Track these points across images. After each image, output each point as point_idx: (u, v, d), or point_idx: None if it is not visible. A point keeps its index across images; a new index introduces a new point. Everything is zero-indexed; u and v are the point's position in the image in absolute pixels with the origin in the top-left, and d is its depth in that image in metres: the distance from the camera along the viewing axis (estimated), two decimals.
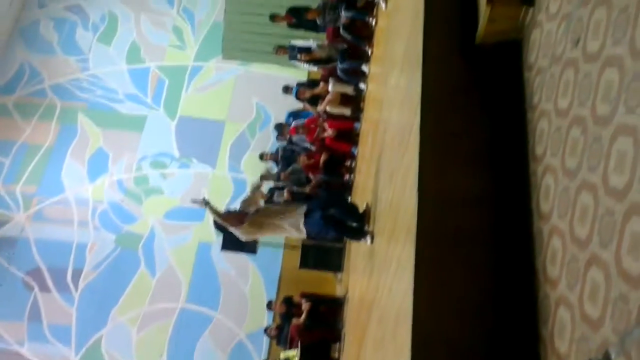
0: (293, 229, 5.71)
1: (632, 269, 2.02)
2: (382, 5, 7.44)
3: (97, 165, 12.64)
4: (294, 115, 10.42)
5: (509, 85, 3.45)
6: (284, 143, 10.37)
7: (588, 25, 2.60)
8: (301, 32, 9.75)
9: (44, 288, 11.56)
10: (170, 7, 14.26)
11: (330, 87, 9.16)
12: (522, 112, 3.27)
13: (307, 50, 9.42)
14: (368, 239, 5.82)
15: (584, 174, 2.47)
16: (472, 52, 3.60)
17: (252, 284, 11.50)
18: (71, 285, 11.57)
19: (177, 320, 11.37)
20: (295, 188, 9.71)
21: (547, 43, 3.08)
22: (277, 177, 10.26)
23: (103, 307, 11.40)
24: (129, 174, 12.63)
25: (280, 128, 10.51)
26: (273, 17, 9.72)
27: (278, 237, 9.94)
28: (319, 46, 9.44)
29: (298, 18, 9.44)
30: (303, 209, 5.73)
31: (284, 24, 9.81)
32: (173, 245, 11.94)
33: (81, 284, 11.57)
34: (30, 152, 12.71)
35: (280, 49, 9.77)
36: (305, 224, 5.65)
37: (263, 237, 6.30)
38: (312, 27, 9.46)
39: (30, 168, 12.56)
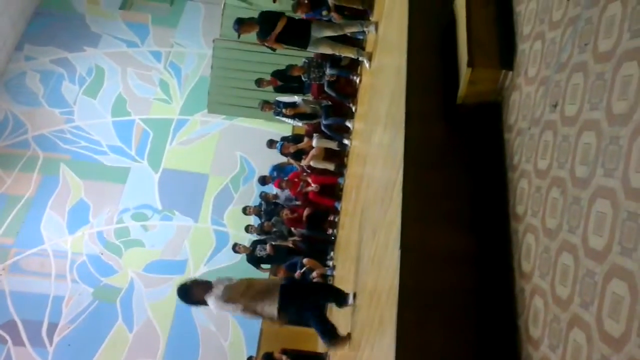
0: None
1: (613, 331, 2.02)
2: (366, 64, 7.60)
3: (78, 217, 12.53)
4: (278, 168, 10.47)
5: (489, 145, 3.52)
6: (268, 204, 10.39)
7: (566, 90, 2.68)
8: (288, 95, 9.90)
9: (17, 342, 11.27)
10: (158, 61, 14.46)
11: (314, 143, 9.25)
12: (503, 172, 3.32)
13: (292, 105, 9.55)
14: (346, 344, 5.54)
15: (564, 234, 2.49)
16: (454, 113, 3.67)
17: (232, 339, 11.31)
18: (46, 340, 11.29)
19: None
20: (278, 242, 9.68)
21: (526, 105, 3.16)
22: (260, 229, 10.22)
23: None
24: (109, 226, 12.52)
25: (263, 181, 10.55)
26: (259, 82, 9.87)
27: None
28: (304, 101, 9.58)
29: (283, 79, 9.60)
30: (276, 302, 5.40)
31: (270, 88, 9.97)
32: (152, 299, 11.76)
33: (56, 338, 11.30)
34: (9, 203, 12.58)
35: (265, 105, 9.90)
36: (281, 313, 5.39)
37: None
38: (298, 89, 9.62)
39: (9, 219, 12.41)
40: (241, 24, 7.49)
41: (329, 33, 7.59)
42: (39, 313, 11.49)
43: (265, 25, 7.44)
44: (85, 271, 11.98)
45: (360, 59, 7.79)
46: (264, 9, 8.69)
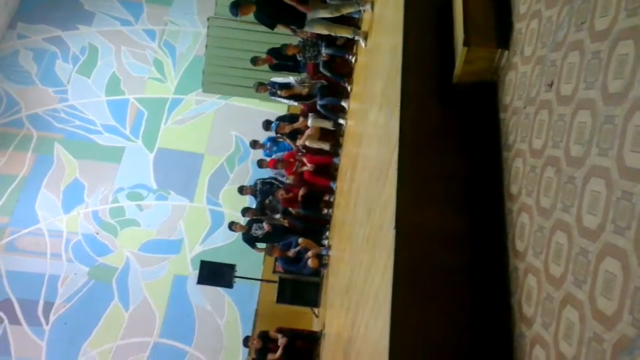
0: None
1: (606, 309, 2.04)
2: (362, 43, 7.55)
3: (73, 196, 12.52)
4: (273, 139, 10.48)
5: (485, 124, 3.51)
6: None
7: (561, 69, 2.67)
8: (283, 73, 9.84)
9: (14, 320, 11.32)
10: (152, 40, 14.35)
11: (309, 122, 9.23)
12: (498, 151, 3.32)
13: (286, 85, 9.50)
14: None
15: (558, 213, 2.50)
16: (450, 92, 3.66)
17: (228, 318, 11.38)
18: (42, 318, 11.34)
19: (150, 355, 11.17)
20: (273, 221, 9.70)
21: (522, 85, 3.15)
22: (259, 208, 10.21)
23: (74, 341, 11.18)
24: (104, 206, 12.51)
25: (254, 145, 10.62)
26: (254, 61, 9.80)
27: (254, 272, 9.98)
28: (299, 81, 9.53)
29: (278, 57, 9.53)
30: None
31: (265, 66, 9.91)
32: (148, 278, 11.80)
33: (52, 317, 11.35)
34: (4, 183, 12.55)
35: (260, 86, 9.85)
36: None
37: None
38: (294, 67, 9.55)
39: (3, 198, 12.39)
40: (238, 7, 7.43)
41: (324, 14, 7.54)
42: (34, 292, 11.53)
43: (262, 5, 7.40)
44: (81, 250, 12.00)
45: (356, 38, 7.74)
46: None
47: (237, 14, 7.47)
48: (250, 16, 7.70)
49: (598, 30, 2.36)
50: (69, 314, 11.40)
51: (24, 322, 11.31)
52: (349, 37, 7.87)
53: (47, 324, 11.30)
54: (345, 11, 7.67)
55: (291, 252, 8.66)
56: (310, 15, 7.40)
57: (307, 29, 7.73)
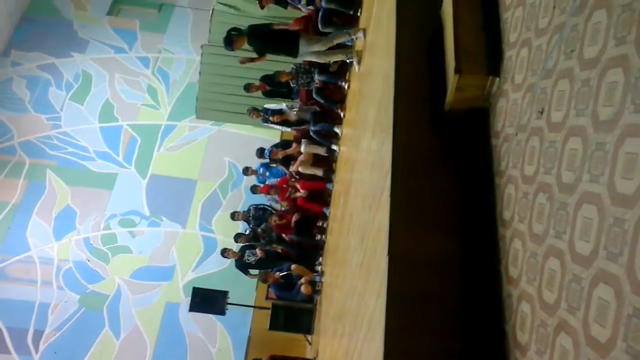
0: None
1: (600, 336, 2.04)
2: (356, 67, 7.61)
3: (64, 223, 12.45)
4: (266, 165, 10.51)
5: (477, 151, 3.53)
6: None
7: (552, 96, 2.70)
8: (277, 100, 9.92)
9: (3, 349, 11.17)
10: (145, 67, 14.42)
11: (302, 148, 9.25)
12: (490, 177, 3.34)
13: (279, 112, 9.55)
14: None
15: (550, 240, 2.51)
16: (442, 119, 3.69)
17: (220, 345, 11.27)
18: (31, 347, 11.20)
19: None
20: (267, 247, 9.67)
21: (513, 112, 3.18)
22: (252, 236, 10.18)
23: None
24: (96, 232, 12.45)
25: (246, 172, 10.62)
26: (248, 88, 9.87)
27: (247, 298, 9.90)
28: (291, 108, 9.59)
29: (272, 84, 9.60)
30: None
31: (258, 93, 9.98)
32: (139, 306, 11.69)
33: (42, 346, 11.21)
34: None
35: (253, 111, 9.90)
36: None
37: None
38: (287, 94, 9.62)
39: None
40: (232, 42, 7.54)
41: (317, 48, 7.63)
42: (24, 320, 11.40)
43: (254, 40, 7.52)
44: (72, 278, 11.90)
45: (349, 60, 7.81)
46: (252, 15, 8.70)
47: (232, 49, 7.59)
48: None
49: (587, 58, 2.39)
50: (59, 342, 11.26)
51: (13, 351, 11.15)
52: (344, 59, 7.94)
53: (36, 352, 11.15)
54: (337, 42, 7.76)
55: (277, 275, 8.64)
56: (303, 50, 7.51)
57: (300, 58, 7.82)
